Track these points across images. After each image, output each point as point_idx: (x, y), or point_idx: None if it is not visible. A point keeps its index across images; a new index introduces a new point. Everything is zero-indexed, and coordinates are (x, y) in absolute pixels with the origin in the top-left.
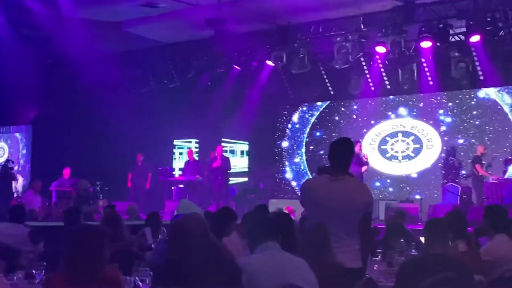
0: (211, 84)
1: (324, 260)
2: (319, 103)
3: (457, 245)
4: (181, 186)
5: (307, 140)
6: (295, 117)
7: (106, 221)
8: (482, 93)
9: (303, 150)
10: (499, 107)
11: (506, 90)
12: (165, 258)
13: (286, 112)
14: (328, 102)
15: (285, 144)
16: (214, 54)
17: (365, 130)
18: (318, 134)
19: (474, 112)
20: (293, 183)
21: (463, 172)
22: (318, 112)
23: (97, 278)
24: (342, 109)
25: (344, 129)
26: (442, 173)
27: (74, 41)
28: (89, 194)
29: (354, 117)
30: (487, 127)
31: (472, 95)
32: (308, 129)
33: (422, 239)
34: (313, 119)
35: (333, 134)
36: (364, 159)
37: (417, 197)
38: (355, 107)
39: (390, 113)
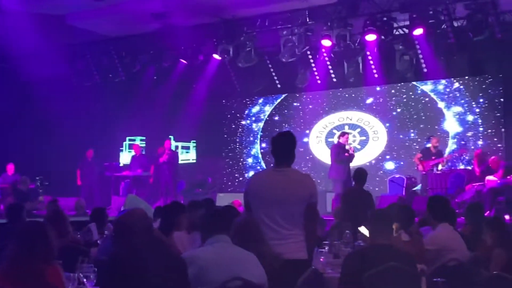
0: (157, 78)
1: (262, 253)
2: (270, 96)
3: (400, 235)
4: (128, 181)
5: (259, 133)
6: (243, 111)
7: (49, 217)
8: (429, 86)
9: (257, 146)
10: (434, 102)
11: (442, 83)
12: (110, 254)
13: (234, 106)
14: (277, 95)
15: (234, 137)
16: (160, 48)
17: (314, 122)
18: (269, 127)
19: (420, 105)
20: (242, 178)
21: None
22: (268, 106)
23: (37, 275)
24: (292, 103)
25: (293, 122)
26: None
27: (17, 35)
28: (29, 190)
29: (302, 110)
30: (427, 119)
31: (417, 88)
32: (262, 124)
33: (361, 229)
34: (267, 112)
35: (284, 127)
36: (351, 151)
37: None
38: (302, 100)
39: (336, 106)
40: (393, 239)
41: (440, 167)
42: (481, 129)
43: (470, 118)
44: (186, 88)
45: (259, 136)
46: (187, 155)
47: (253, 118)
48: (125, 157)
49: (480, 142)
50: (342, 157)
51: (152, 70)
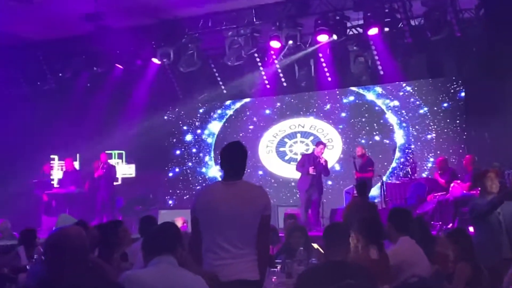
0: (91, 85)
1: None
2: (216, 103)
3: (368, 252)
4: (60, 199)
5: (205, 144)
6: (186, 120)
7: None
8: (385, 89)
9: (204, 157)
10: (391, 106)
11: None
12: (40, 279)
13: (177, 114)
14: (223, 102)
15: (177, 149)
16: (94, 52)
17: (263, 131)
18: (215, 137)
19: (376, 110)
20: (187, 192)
21: None
22: (213, 114)
23: None
24: (240, 110)
25: (241, 131)
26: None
27: None
28: None
29: (250, 118)
30: (382, 126)
31: (373, 91)
32: (207, 133)
33: (315, 245)
34: (213, 121)
35: (231, 136)
36: (322, 162)
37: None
38: (250, 107)
39: (287, 112)
40: (358, 256)
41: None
42: (443, 136)
43: (430, 122)
44: (123, 95)
45: (205, 147)
46: (126, 169)
47: (198, 127)
48: (57, 173)
49: (440, 149)
50: (303, 170)
51: (85, 76)
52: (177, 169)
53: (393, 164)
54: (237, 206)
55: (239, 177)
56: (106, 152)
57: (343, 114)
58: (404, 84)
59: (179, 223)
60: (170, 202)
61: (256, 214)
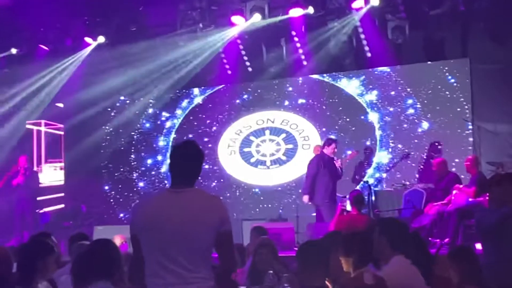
0: (9, 70)
1: None
2: (167, 92)
3: (361, 275)
4: None
5: (154, 144)
6: (131, 113)
7: None
8: (374, 74)
9: (152, 161)
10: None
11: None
12: None
13: (118, 107)
14: (176, 91)
15: (118, 150)
16: (11, 30)
17: (224, 127)
18: (167, 135)
19: (361, 101)
20: (129, 203)
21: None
22: (164, 106)
23: None
24: (196, 101)
25: (198, 127)
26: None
27: None
28: None
29: (209, 111)
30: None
31: (359, 77)
32: (157, 131)
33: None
34: (165, 115)
35: (186, 134)
36: (337, 165)
37: (294, 214)
38: (208, 97)
39: (253, 104)
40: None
41: None
42: (443, 131)
43: (428, 113)
44: None
45: (154, 147)
46: (53, 175)
47: (146, 123)
48: None
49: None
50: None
51: (3, 61)
52: (116, 175)
53: (371, 170)
54: (185, 221)
55: (190, 184)
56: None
57: (323, 106)
58: (396, 69)
59: (117, 241)
60: (108, 215)
61: (209, 230)
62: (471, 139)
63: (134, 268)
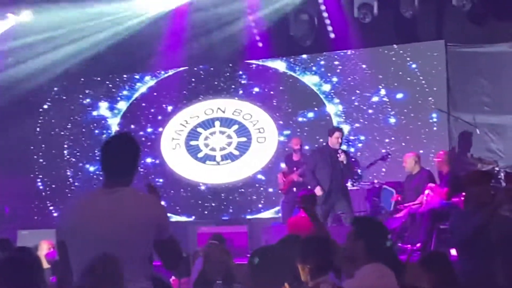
0: None
1: None
2: (105, 79)
3: (318, 286)
4: None
5: (93, 137)
6: (64, 102)
7: None
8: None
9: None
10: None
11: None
12: None
13: (49, 94)
14: (114, 77)
15: (50, 144)
16: None
17: (167, 117)
18: (106, 127)
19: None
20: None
21: None
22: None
23: None
24: (136, 89)
25: (139, 118)
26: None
27: None
28: None
29: (151, 100)
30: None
31: (319, 62)
32: (94, 121)
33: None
34: (103, 104)
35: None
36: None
37: (247, 216)
38: (150, 84)
39: (200, 91)
40: None
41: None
42: (413, 124)
43: (397, 103)
44: None
45: (91, 140)
46: None
47: (80, 113)
48: None
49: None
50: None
51: None
52: (44, 172)
53: None
54: (118, 225)
55: (125, 183)
56: None
57: (281, 94)
58: (362, 52)
59: (44, 248)
60: (33, 218)
61: (145, 236)
62: (446, 132)
63: (62, 278)
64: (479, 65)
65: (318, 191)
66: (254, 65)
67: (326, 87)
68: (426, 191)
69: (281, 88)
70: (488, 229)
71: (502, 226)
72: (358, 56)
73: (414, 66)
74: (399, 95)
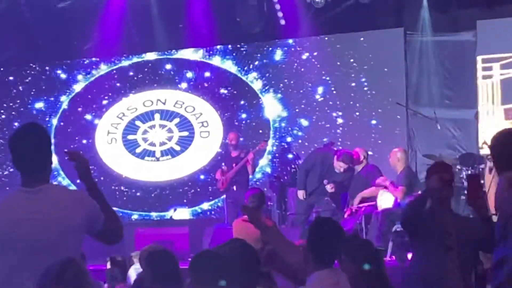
0: None
1: None
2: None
3: None
4: None
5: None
6: None
7: None
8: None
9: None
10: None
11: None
12: None
13: None
14: (33, 64)
15: None
16: None
17: (102, 109)
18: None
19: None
20: None
21: None
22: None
23: None
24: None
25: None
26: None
27: None
28: None
29: (85, 89)
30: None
31: (271, 50)
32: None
33: None
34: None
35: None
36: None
37: (187, 216)
38: (81, 72)
39: (140, 81)
40: None
41: None
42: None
43: (348, 96)
44: None
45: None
46: None
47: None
48: None
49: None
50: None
51: None
52: None
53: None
54: (46, 227)
55: (43, 179)
56: None
57: (223, 86)
58: (313, 40)
59: None
60: None
61: (75, 237)
62: (404, 127)
63: None
64: (441, 56)
65: (300, 195)
66: (200, 53)
67: (270, 78)
68: (380, 191)
69: (227, 77)
70: (443, 230)
71: (462, 227)
72: (309, 45)
73: (370, 55)
74: (353, 85)
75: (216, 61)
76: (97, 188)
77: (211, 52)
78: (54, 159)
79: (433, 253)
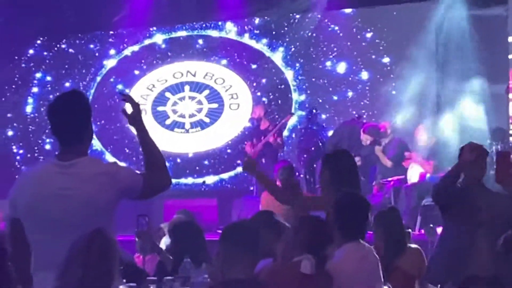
0: None
1: None
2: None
3: (299, 264)
4: None
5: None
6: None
7: None
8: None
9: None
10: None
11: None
12: None
13: None
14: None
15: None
16: None
17: (132, 81)
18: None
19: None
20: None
21: None
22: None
23: None
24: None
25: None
26: None
27: None
28: None
29: (112, 59)
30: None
31: (299, 24)
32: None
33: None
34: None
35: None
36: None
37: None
38: (111, 43)
39: (168, 53)
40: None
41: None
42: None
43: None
44: None
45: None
46: None
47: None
48: None
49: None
50: None
51: None
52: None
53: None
54: (76, 203)
55: (79, 152)
56: None
57: (256, 56)
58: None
59: None
60: None
61: (109, 213)
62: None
63: (16, 258)
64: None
65: None
66: (229, 27)
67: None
68: (410, 165)
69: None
70: (476, 205)
71: (494, 202)
72: (337, 18)
73: (400, 29)
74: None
75: (245, 36)
76: (147, 133)
77: (240, 27)
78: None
79: (464, 228)
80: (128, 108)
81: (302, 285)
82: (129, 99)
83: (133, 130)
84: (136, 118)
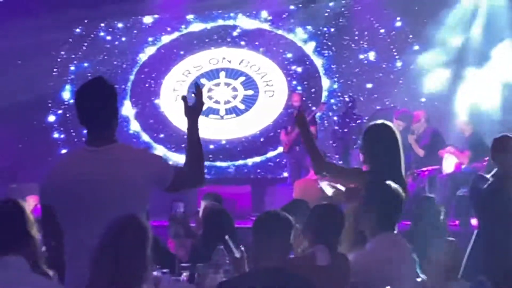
0: None
1: None
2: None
3: (314, 256)
4: None
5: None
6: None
7: None
8: None
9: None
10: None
11: None
12: None
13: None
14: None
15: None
16: None
17: (168, 67)
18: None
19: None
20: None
21: None
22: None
23: None
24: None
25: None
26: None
27: None
28: None
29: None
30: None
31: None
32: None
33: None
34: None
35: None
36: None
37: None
38: (144, 28)
39: (204, 39)
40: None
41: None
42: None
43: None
44: None
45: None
46: None
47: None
48: None
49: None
50: None
51: None
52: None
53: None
54: (108, 188)
55: (108, 138)
56: None
57: (293, 43)
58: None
59: (30, 203)
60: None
61: (142, 200)
62: None
63: (49, 245)
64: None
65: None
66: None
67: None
68: (445, 154)
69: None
70: (507, 206)
71: None
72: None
73: (435, 18)
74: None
75: (279, 24)
76: (198, 129)
77: (275, 17)
78: (132, 111)
79: (497, 231)
80: (191, 99)
81: (320, 277)
82: (199, 93)
83: (184, 121)
84: (195, 112)
